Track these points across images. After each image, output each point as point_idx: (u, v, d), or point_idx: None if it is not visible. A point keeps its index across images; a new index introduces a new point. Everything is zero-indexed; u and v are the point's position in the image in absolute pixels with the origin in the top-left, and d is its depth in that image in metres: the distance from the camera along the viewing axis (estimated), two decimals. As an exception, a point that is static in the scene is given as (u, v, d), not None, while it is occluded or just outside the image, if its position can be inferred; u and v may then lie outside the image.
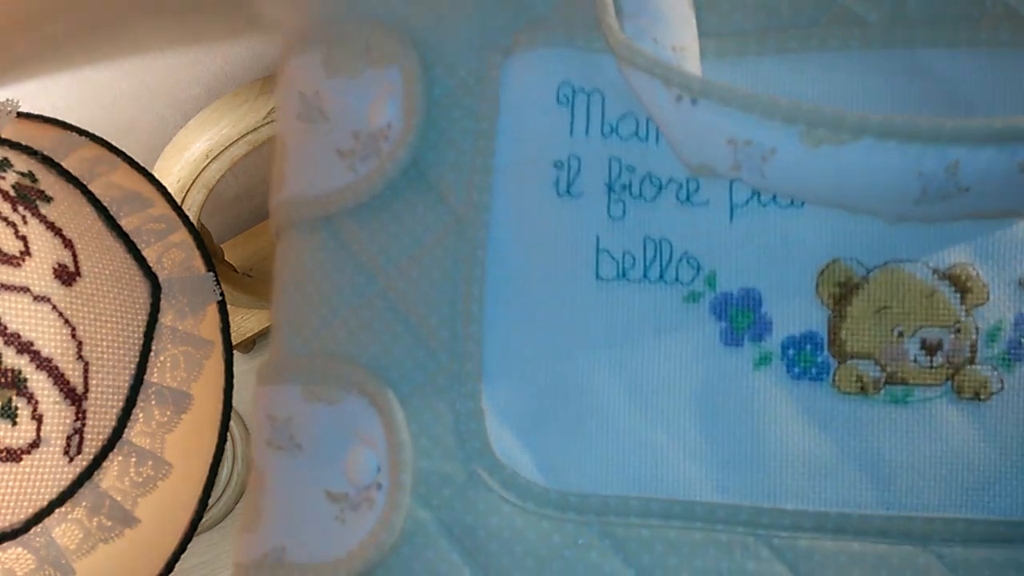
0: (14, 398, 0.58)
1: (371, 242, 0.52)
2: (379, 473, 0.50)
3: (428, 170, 0.52)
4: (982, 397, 0.47)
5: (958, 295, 0.48)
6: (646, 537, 0.48)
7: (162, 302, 0.65)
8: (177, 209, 0.70)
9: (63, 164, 0.65)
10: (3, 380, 0.58)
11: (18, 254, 0.60)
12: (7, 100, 0.66)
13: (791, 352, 0.48)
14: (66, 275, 0.61)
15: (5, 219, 0.60)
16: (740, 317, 0.49)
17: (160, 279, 0.66)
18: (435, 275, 0.51)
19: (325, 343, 0.52)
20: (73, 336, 0.61)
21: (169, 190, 0.71)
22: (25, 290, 0.59)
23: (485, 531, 0.49)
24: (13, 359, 0.58)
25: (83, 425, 0.61)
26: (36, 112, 0.71)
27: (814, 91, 0.48)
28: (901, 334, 0.48)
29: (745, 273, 0.49)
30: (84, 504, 0.62)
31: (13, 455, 0.59)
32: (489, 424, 0.50)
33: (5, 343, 0.58)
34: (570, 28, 0.51)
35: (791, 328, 0.48)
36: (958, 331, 0.47)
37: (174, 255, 0.67)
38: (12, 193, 0.61)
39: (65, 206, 0.63)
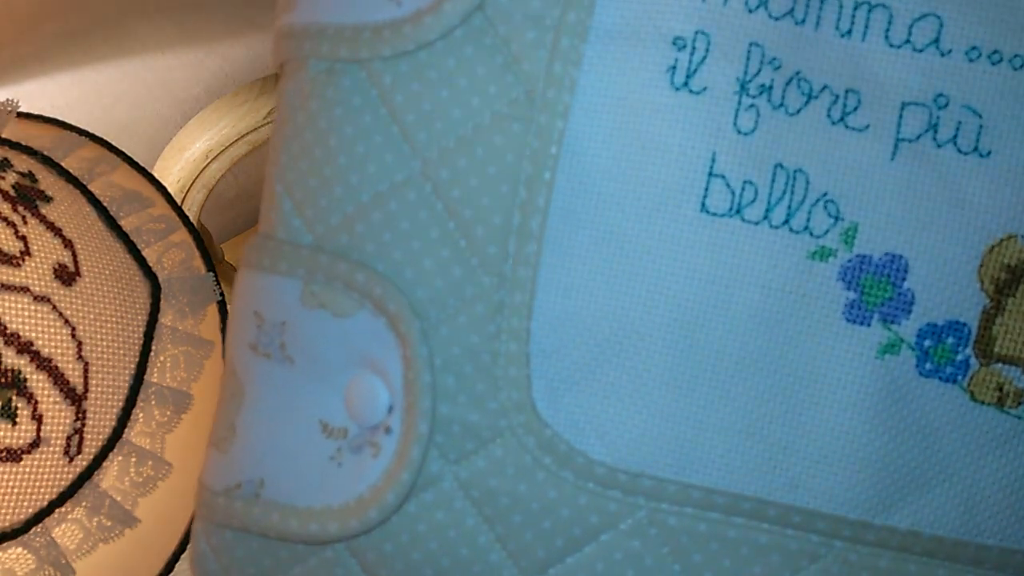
0: (14, 398, 0.58)
1: (411, 106, 0.40)
2: (390, 414, 0.41)
3: (499, 18, 0.39)
4: None
5: None
6: (702, 532, 0.40)
7: (162, 302, 0.65)
8: (177, 209, 0.70)
9: (63, 164, 0.65)
10: (3, 380, 0.58)
11: (18, 254, 0.60)
12: (7, 100, 0.66)
13: (927, 343, 0.39)
14: (66, 275, 0.61)
15: (5, 219, 0.60)
16: (876, 289, 0.39)
17: (160, 279, 0.66)
18: (489, 170, 0.39)
19: (335, 234, 0.41)
20: (73, 336, 0.61)
21: (169, 190, 0.71)
22: (25, 290, 0.59)
23: (510, 498, 0.40)
24: (13, 359, 0.58)
25: (83, 425, 0.61)
26: (36, 112, 0.71)
27: None
28: None
29: (895, 233, 0.39)
30: (84, 504, 0.62)
31: (13, 455, 0.59)
32: (534, 372, 0.40)
33: (5, 343, 0.58)
34: None
35: (935, 313, 0.39)
36: None
37: (174, 255, 0.67)
38: (12, 193, 0.61)
39: (65, 206, 0.63)
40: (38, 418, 0.59)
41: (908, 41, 0.38)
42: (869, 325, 0.39)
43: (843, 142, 0.39)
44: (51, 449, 0.60)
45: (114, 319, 0.62)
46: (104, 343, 0.62)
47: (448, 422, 0.40)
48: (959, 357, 0.39)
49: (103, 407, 0.62)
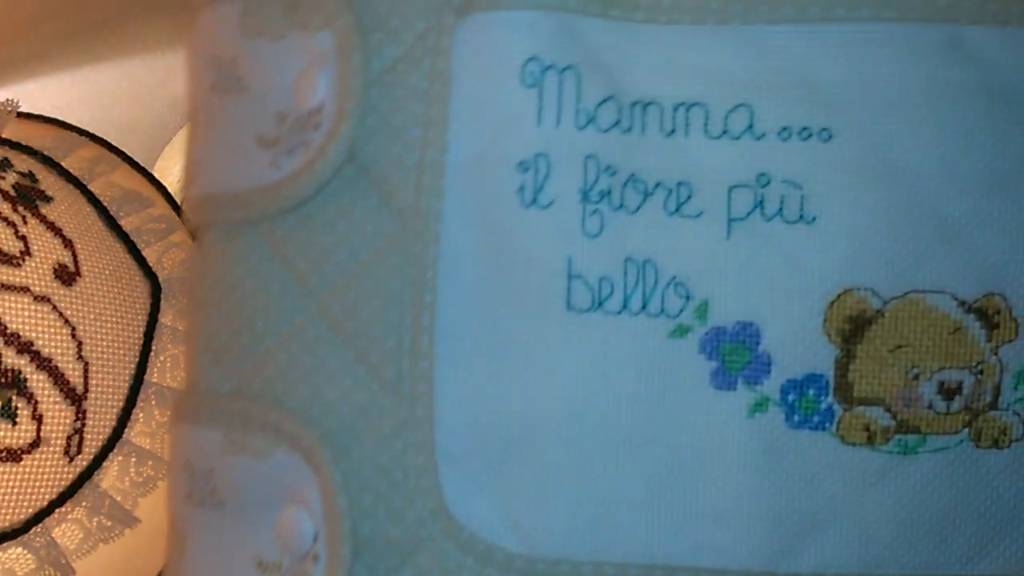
0: (14, 398, 0.58)
1: (300, 255, 0.43)
2: (316, 543, 0.43)
3: (367, 166, 0.43)
4: (1001, 445, 0.42)
5: (985, 331, 0.41)
6: None
7: (162, 302, 0.65)
8: (177, 209, 0.70)
9: (63, 164, 0.65)
10: (3, 380, 0.58)
11: (18, 254, 0.60)
12: (7, 100, 0.66)
13: (791, 397, 0.41)
14: (66, 275, 0.61)
15: (5, 219, 0.60)
16: (735, 356, 0.41)
17: (160, 279, 0.66)
18: (376, 300, 0.43)
19: (248, 380, 0.44)
20: (73, 336, 0.61)
21: (169, 190, 0.71)
22: (25, 290, 0.59)
23: None
24: (13, 359, 0.58)
25: (83, 425, 0.61)
26: (36, 112, 0.71)
27: (837, 74, 0.41)
28: (917, 376, 0.41)
29: (743, 303, 0.41)
30: (84, 504, 0.62)
31: (13, 455, 0.59)
32: (443, 479, 0.42)
33: (5, 343, 0.58)
34: None
35: (793, 369, 0.41)
36: (981, 372, 0.41)
37: (174, 255, 0.67)
38: (12, 193, 0.61)
39: (65, 206, 0.63)
40: (38, 418, 0.59)
41: (725, 131, 0.41)
42: (735, 389, 0.42)
43: (682, 230, 0.42)
44: (51, 449, 0.60)
45: (114, 319, 0.62)
46: (104, 343, 0.62)
47: (372, 540, 0.43)
48: (823, 406, 0.42)
49: (103, 407, 0.62)
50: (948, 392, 0.41)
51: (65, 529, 0.62)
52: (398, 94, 0.43)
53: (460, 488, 0.43)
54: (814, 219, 0.41)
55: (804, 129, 0.41)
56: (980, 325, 0.41)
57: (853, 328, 0.41)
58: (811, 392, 0.42)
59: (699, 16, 0.42)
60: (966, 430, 0.42)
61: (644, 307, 0.42)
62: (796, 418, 0.42)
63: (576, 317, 0.42)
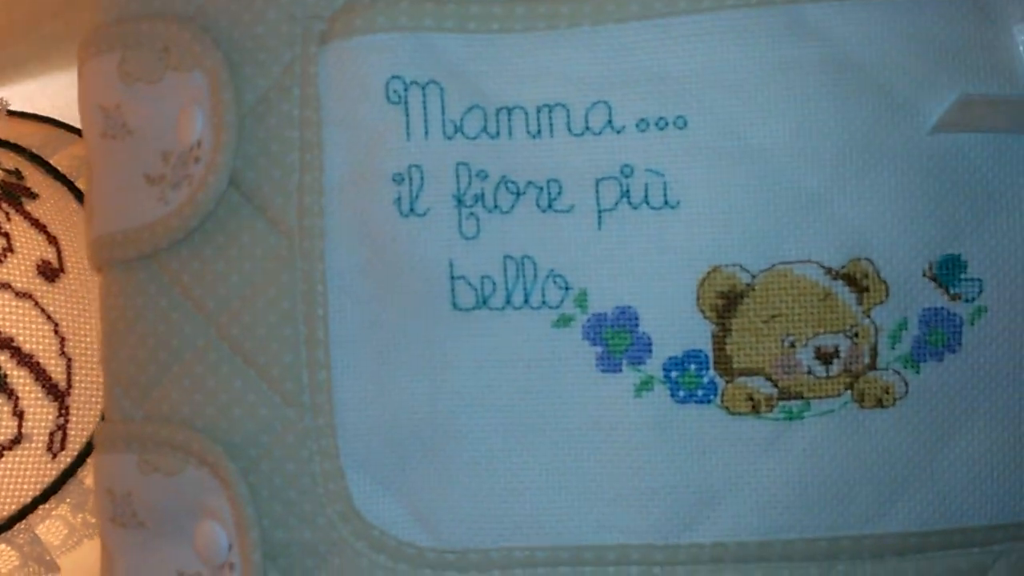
0: (-5, 394, 0.58)
1: (196, 282, 0.46)
2: (230, 551, 0.45)
3: (251, 193, 0.45)
4: (886, 404, 0.43)
5: (855, 295, 0.43)
6: None
7: (149, 298, 0.65)
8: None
9: (51, 161, 0.65)
10: (-16, 376, 0.58)
11: (0, 251, 0.60)
12: (-2, 99, 0.66)
13: (674, 374, 0.43)
14: (50, 271, 0.61)
15: (-14, 216, 0.60)
16: (616, 339, 0.43)
17: (147, 275, 0.65)
18: (271, 317, 0.45)
19: (157, 405, 0.46)
20: (56, 332, 0.61)
21: (162, 187, 0.71)
22: (6, 286, 0.59)
23: None
24: (-6, 355, 0.58)
25: (66, 421, 0.61)
26: (36, 112, 0.72)
27: (686, 64, 0.43)
28: (793, 344, 0.43)
29: (619, 289, 0.43)
30: (68, 500, 0.62)
31: (-5, 451, 0.59)
32: (350, 483, 0.44)
33: (-13, 339, 0.58)
34: (395, 2, 0.44)
35: (673, 348, 0.43)
36: (856, 335, 0.43)
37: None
38: (-7, 190, 0.61)
39: (51, 203, 0.64)
40: (19, 414, 0.59)
41: (588, 128, 0.43)
42: (621, 371, 0.43)
43: (555, 224, 0.43)
44: (33, 445, 0.60)
45: (98, 315, 0.62)
46: (88, 339, 0.62)
47: (286, 545, 0.45)
48: (705, 380, 0.43)
49: (87, 403, 0.62)
50: (825, 357, 0.43)
51: (49, 526, 0.62)
52: (272, 122, 0.45)
53: (367, 490, 0.45)
54: (678, 203, 0.43)
55: (660, 119, 0.43)
56: (849, 290, 0.43)
57: (726, 303, 0.43)
58: (692, 368, 0.43)
59: (552, 22, 0.44)
60: (848, 392, 0.43)
61: (526, 301, 0.44)
62: (681, 394, 0.43)
63: (463, 316, 0.44)
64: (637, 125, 0.43)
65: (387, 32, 0.44)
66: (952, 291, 0.43)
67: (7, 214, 0.61)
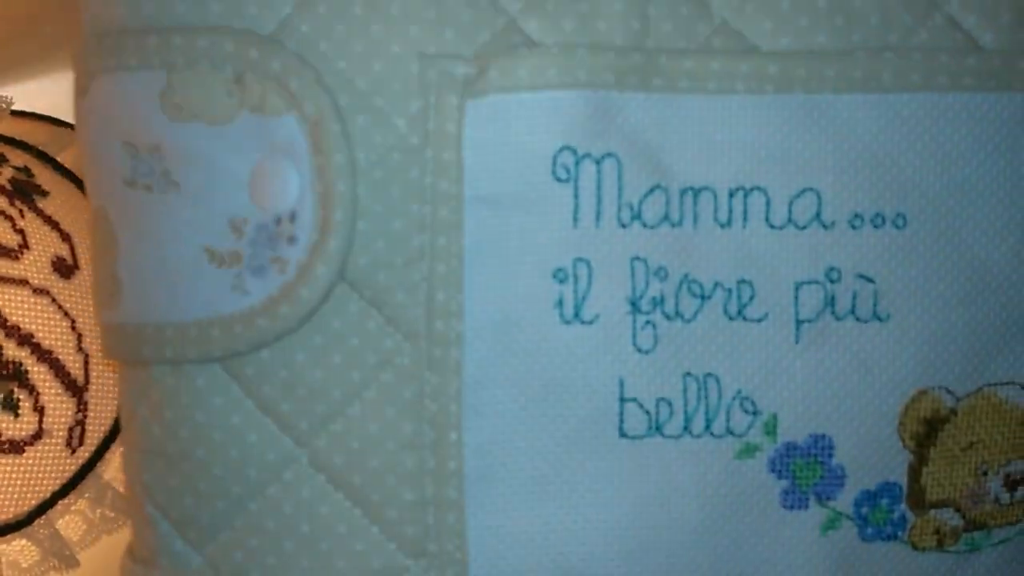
0: (16, 390, 0.58)
1: (283, 396, 0.36)
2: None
3: (362, 283, 0.36)
4: None
5: None
6: None
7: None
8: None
9: (58, 159, 0.66)
10: (4, 372, 0.58)
11: (16, 247, 0.60)
12: (1, 97, 0.66)
13: (864, 510, 0.39)
14: (64, 268, 0.61)
15: (3, 213, 0.60)
16: (807, 472, 0.38)
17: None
18: (389, 444, 0.36)
19: (226, 552, 0.37)
20: (73, 328, 0.61)
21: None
22: (24, 283, 0.59)
23: None
24: (14, 351, 0.58)
25: (85, 416, 0.61)
26: (36, 111, 0.72)
27: (910, 150, 0.37)
28: (986, 472, 0.39)
29: (814, 414, 0.37)
30: (87, 495, 0.62)
31: (15, 447, 0.59)
32: None
33: (6, 335, 0.58)
34: (567, 48, 0.35)
35: (867, 480, 0.38)
36: None
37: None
38: (9, 187, 0.61)
39: (61, 200, 0.64)
40: (40, 410, 0.59)
41: (790, 220, 0.37)
42: (807, 508, 0.39)
43: (746, 336, 0.37)
44: (53, 441, 0.60)
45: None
46: (104, 335, 0.62)
47: None
48: (895, 515, 0.39)
49: (104, 398, 0.62)
50: (1013, 484, 0.39)
51: (69, 520, 0.62)
52: (395, 193, 0.35)
53: None
54: (888, 316, 0.37)
55: (877, 215, 0.37)
56: None
57: (928, 430, 0.38)
58: (884, 502, 0.39)
59: (755, 84, 0.36)
60: None
61: (708, 427, 0.37)
62: (870, 531, 0.39)
63: (631, 445, 0.37)
64: (850, 221, 0.37)
65: (560, 89, 0.35)
66: None
67: (21, 211, 0.61)
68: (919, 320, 0.38)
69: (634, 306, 0.36)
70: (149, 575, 0.38)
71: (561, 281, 0.36)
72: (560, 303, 0.36)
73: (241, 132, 0.35)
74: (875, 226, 0.37)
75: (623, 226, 0.36)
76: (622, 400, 0.37)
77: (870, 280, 0.37)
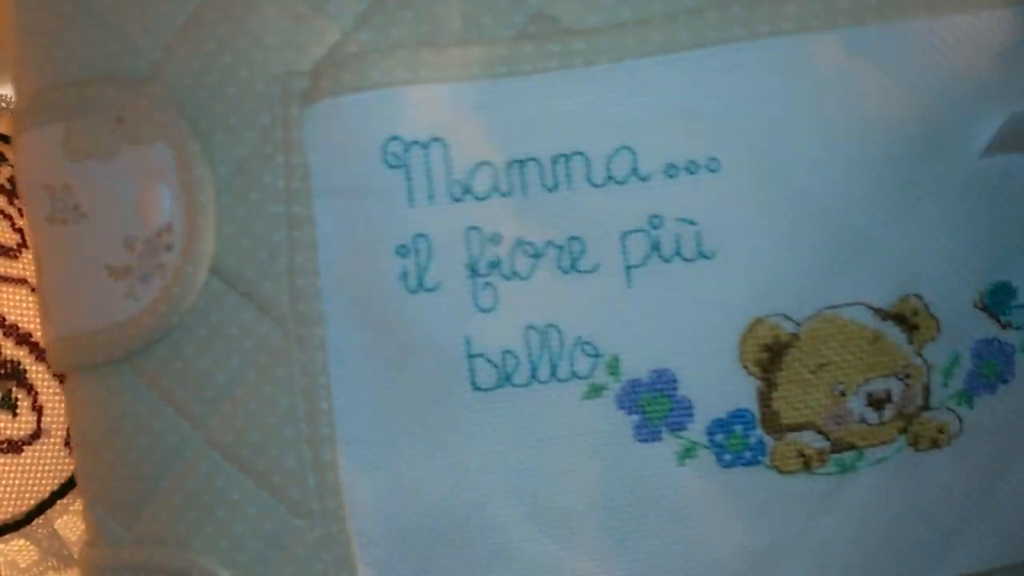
0: (14, 389, 0.58)
1: (178, 385, 0.41)
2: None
3: (234, 279, 0.40)
4: (940, 444, 0.41)
5: (905, 335, 0.41)
6: None
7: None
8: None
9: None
10: (3, 371, 0.58)
11: (15, 246, 0.60)
12: (0, 96, 0.66)
13: (719, 437, 0.40)
14: (64, 266, 0.61)
15: (1, 212, 0.60)
16: (655, 405, 0.40)
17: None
18: (269, 418, 0.40)
19: (148, 526, 0.42)
20: (72, 327, 0.61)
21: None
22: (23, 281, 0.59)
23: None
24: (12, 350, 0.58)
25: (83, 416, 0.61)
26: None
27: (718, 101, 0.40)
28: (843, 392, 0.41)
29: (654, 351, 0.40)
30: (86, 495, 0.62)
31: (14, 446, 0.59)
32: None
33: (4, 334, 0.58)
34: (388, 51, 0.40)
35: (716, 409, 0.40)
36: (908, 376, 0.41)
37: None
38: (8, 187, 0.61)
39: (62, 197, 0.64)
40: (38, 409, 0.59)
41: (610, 178, 0.40)
42: (661, 439, 0.41)
43: (581, 286, 0.40)
44: (52, 440, 0.60)
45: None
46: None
47: None
48: (752, 440, 0.41)
49: (103, 398, 0.62)
50: (878, 403, 0.41)
51: (67, 520, 0.62)
52: (254, 197, 0.40)
53: None
54: (714, 254, 0.40)
55: (691, 163, 0.40)
56: (900, 330, 0.41)
57: (770, 356, 0.40)
58: (738, 428, 0.41)
59: (566, 60, 0.40)
60: (902, 437, 0.41)
61: (553, 373, 0.40)
62: (727, 457, 0.41)
63: (485, 397, 0.40)
64: (666, 171, 0.40)
65: (382, 87, 0.39)
66: (1003, 319, 0.41)
67: (20, 210, 0.61)
68: (745, 254, 0.40)
69: (473, 271, 0.40)
70: (95, 555, 0.43)
71: (404, 256, 0.40)
72: (404, 275, 0.40)
73: (126, 163, 0.41)
74: (690, 172, 0.40)
75: (456, 201, 0.40)
76: (470, 356, 0.40)
77: (691, 222, 0.40)
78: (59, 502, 0.61)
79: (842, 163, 0.40)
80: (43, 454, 0.60)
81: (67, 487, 0.61)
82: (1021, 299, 0.41)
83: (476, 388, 0.40)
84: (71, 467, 0.61)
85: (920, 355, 0.41)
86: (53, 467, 0.60)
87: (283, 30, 0.40)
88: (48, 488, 0.60)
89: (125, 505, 0.42)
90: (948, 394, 0.41)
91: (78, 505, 0.62)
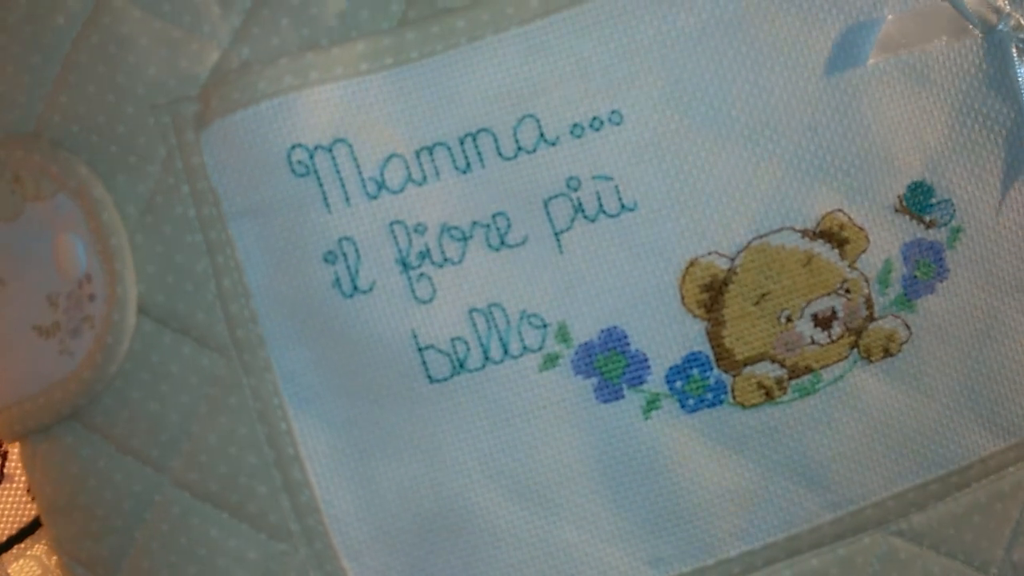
0: None
1: (131, 433, 0.40)
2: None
3: (165, 317, 0.40)
4: (893, 352, 0.42)
5: (836, 251, 0.41)
6: None
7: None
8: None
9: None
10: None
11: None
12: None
13: (679, 384, 0.41)
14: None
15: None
16: (611, 365, 0.40)
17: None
18: (231, 449, 0.40)
19: None
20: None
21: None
22: None
23: None
24: None
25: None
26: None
27: (606, 52, 0.40)
28: (789, 318, 0.41)
29: (599, 311, 0.40)
30: (44, 541, 0.62)
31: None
32: None
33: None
34: (272, 60, 0.39)
35: (670, 357, 0.41)
36: (848, 291, 0.41)
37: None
38: None
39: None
40: (3, 455, 0.60)
41: (520, 148, 0.40)
42: (623, 397, 0.41)
43: (514, 261, 0.40)
44: (15, 486, 0.60)
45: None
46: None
47: None
48: (711, 381, 0.41)
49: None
50: (824, 322, 0.41)
51: (23, 565, 0.62)
52: (167, 231, 0.40)
53: None
54: (636, 205, 0.40)
55: (594, 119, 0.40)
56: (831, 247, 0.41)
57: (711, 296, 0.41)
58: (695, 372, 0.41)
59: (450, 40, 0.40)
60: (854, 351, 0.42)
61: (505, 351, 0.40)
62: (691, 402, 0.41)
63: (443, 388, 0.40)
64: (571, 132, 0.40)
65: (272, 97, 0.39)
66: (927, 218, 0.42)
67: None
68: (667, 199, 0.40)
69: (404, 264, 0.39)
70: None
71: (332, 262, 0.39)
72: (337, 281, 0.39)
73: (32, 221, 0.40)
74: (595, 129, 0.40)
75: (373, 198, 0.39)
76: (420, 350, 0.40)
77: (608, 178, 0.40)
78: (16, 547, 0.61)
79: (744, 90, 0.40)
80: (5, 500, 0.60)
81: (25, 532, 0.61)
82: (939, 195, 0.42)
83: (432, 380, 0.40)
84: (31, 513, 0.61)
85: (855, 268, 0.41)
86: (13, 512, 0.60)
87: (161, 59, 0.39)
88: (6, 533, 0.60)
89: (104, 561, 0.41)
90: (890, 301, 0.42)
91: (35, 550, 0.63)
